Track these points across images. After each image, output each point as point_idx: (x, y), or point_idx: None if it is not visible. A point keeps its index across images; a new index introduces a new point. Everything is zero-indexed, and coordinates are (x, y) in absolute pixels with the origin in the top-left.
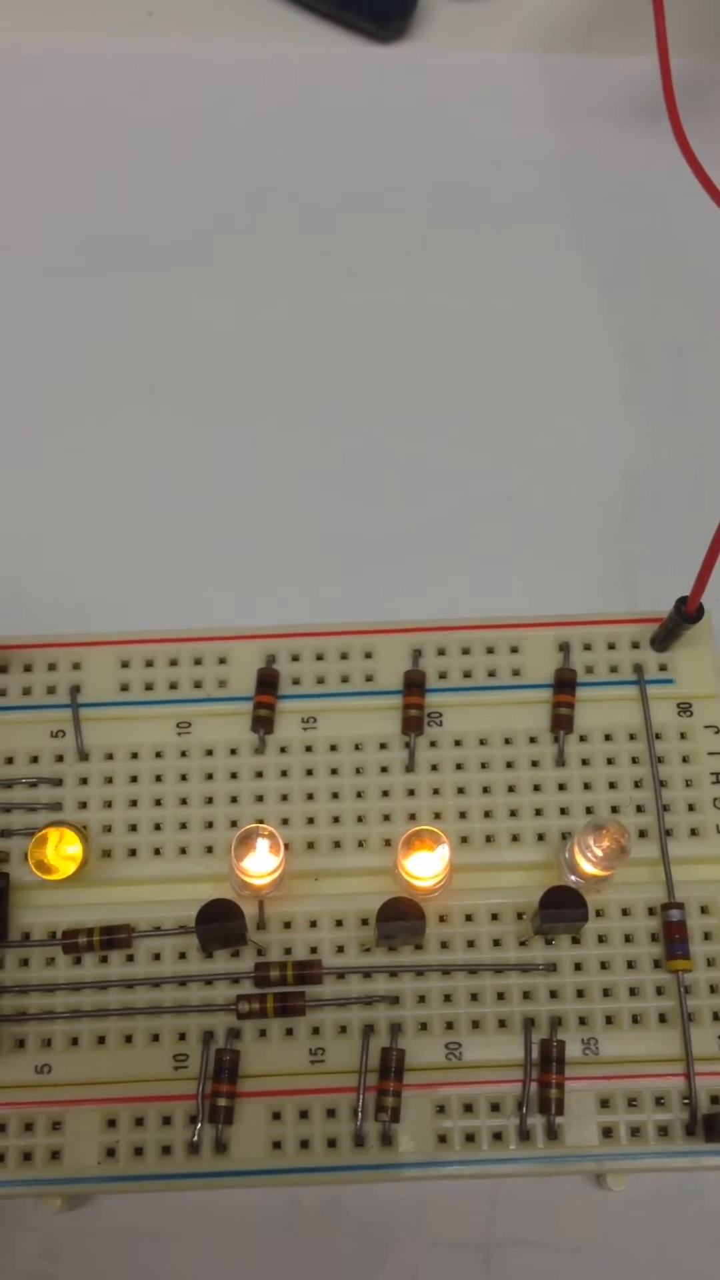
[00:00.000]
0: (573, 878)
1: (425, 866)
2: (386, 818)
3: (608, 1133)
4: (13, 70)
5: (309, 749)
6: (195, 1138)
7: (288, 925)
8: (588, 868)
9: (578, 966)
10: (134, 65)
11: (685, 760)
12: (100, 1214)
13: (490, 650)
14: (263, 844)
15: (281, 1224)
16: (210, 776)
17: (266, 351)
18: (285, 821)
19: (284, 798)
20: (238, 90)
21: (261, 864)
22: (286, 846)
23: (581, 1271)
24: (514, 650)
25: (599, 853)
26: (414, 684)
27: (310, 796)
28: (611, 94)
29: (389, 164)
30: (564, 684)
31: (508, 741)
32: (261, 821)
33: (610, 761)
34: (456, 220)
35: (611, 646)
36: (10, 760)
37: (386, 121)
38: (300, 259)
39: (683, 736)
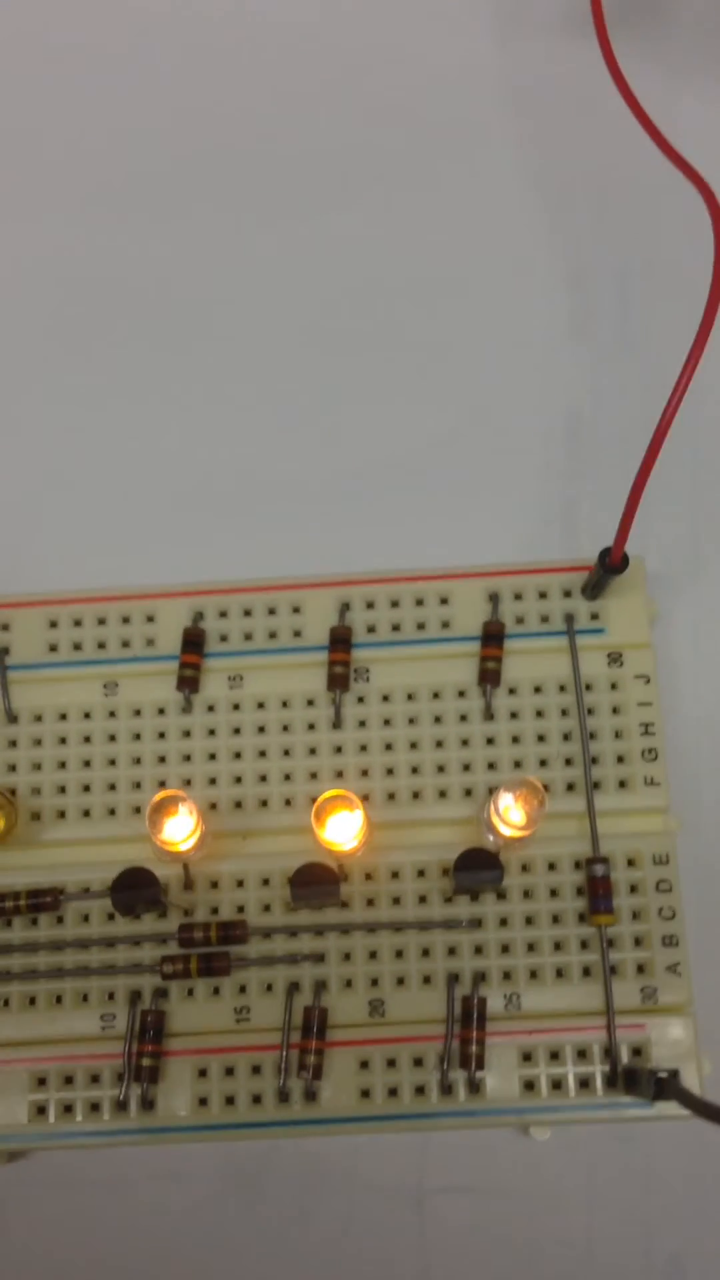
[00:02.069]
0: (491, 837)
1: (342, 831)
2: (314, 775)
3: (530, 1086)
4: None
5: (236, 707)
6: (123, 1095)
7: (215, 885)
8: (504, 829)
9: (503, 922)
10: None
11: (615, 711)
12: (39, 1167)
13: (420, 602)
14: (183, 809)
15: (217, 1173)
16: (138, 737)
17: (195, 292)
18: (212, 781)
19: (211, 757)
20: (175, 18)
21: (177, 830)
22: (213, 806)
23: (513, 1215)
24: (444, 602)
25: (514, 816)
26: (340, 640)
27: (237, 755)
28: (552, 5)
29: (323, 88)
30: (491, 637)
31: (436, 696)
32: (188, 783)
33: (539, 714)
34: (392, 146)
35: (543, 596)
36: None
37: (320, 42)
38: (233, 190)
39: (613, 687)
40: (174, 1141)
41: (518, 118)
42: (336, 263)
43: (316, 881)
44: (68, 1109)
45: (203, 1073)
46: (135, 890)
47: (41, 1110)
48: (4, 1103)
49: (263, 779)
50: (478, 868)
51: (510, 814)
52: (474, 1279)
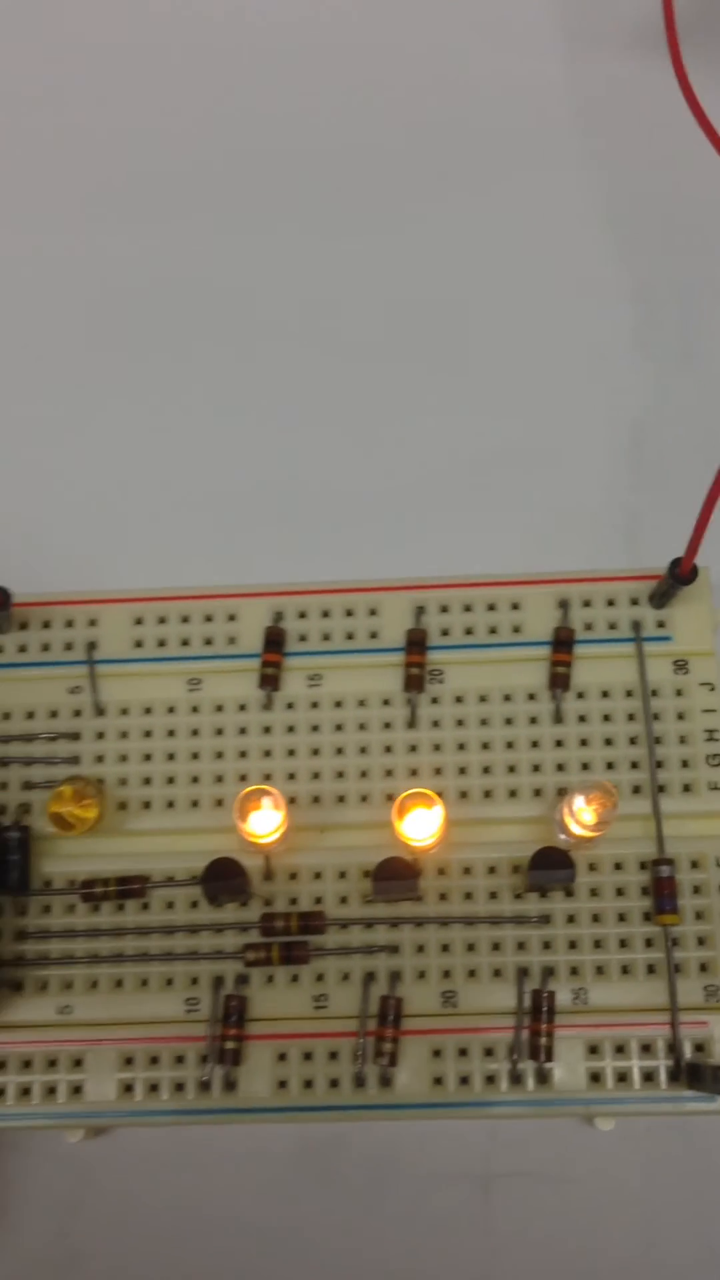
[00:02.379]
0: (563, 836)
1: (420, 827)
2: (389, 773)
3: (595, 1078)
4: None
5: (314, 705)
6: (206, 1076)
7: (293, 877)
8: (576, 829)
9: (570, 919)
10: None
11: (680, 717)
12: (123, 1143)
13: (491, 607)
14: (266, 803)
15: (291, 1154)
16: (220, 732)
17: (270, 304)
18: (291, 776)
19: (290, 753)
20: (237, 25)
21: (264, 824)
22: (292, 801)
23: (575, 1201)
24: (515, 607)
25: (586, 816)
26: (416, 642)
27: (315, 752)
28: (620, 25)
29: (391, 101)
30: (562, 643)
31: (507, 698)
32: (268, 778)
33: (607, 718)
34: (458, 160)
35: (611, 603)
36: (30, 715)
37: (389, 57)
38: (299, 203)
39: (679, 693)
40: (255, 1122)
41: (584, 131)
42: (413, 276)
43: (398, 876)
44: (153, 1088)
45: (282, 1057)
46: (224, 880)
47: (128, 1088)
48: (93, 1080)
49: (340, 775)
50: (552, 866)
51: (583, 815)
52: (538, 1263)
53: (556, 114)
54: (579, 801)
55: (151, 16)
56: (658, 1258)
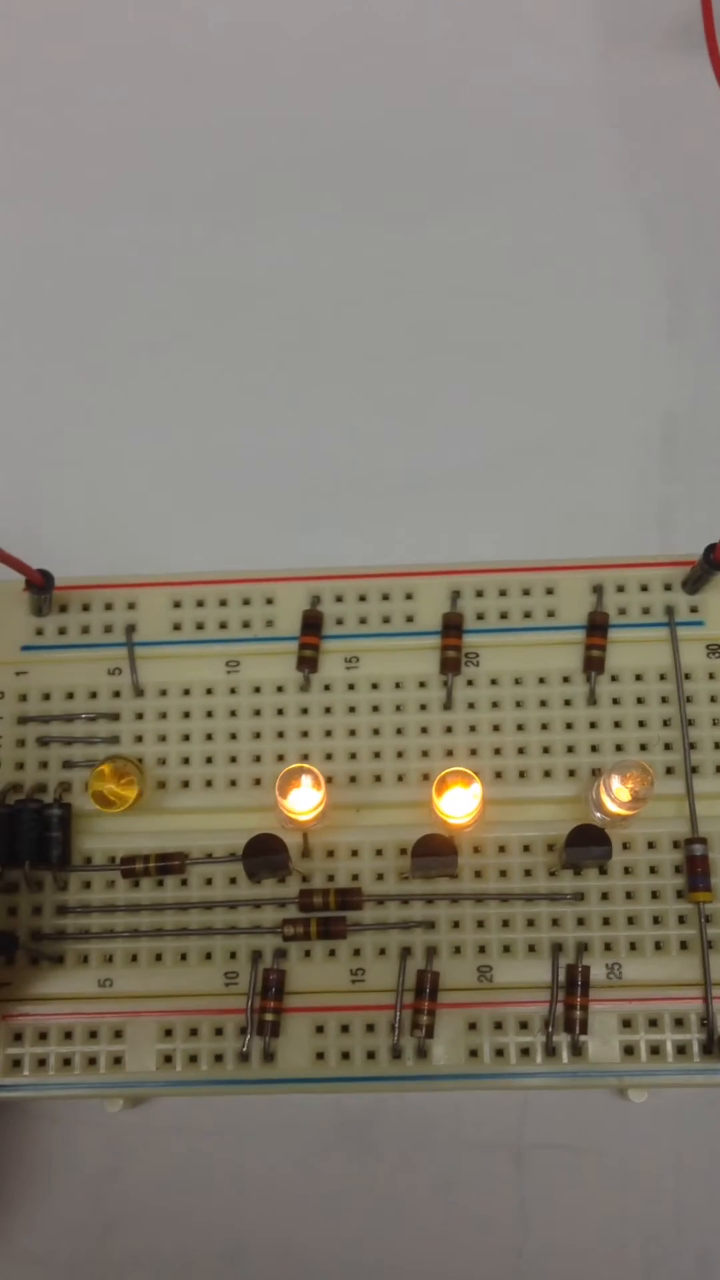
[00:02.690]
0: (599, 815)
1: (458, 805)
2: (425, 754)
3: (629, 1051)
4: (49, 12)
5: (351, 687)
6: (245, 1048)
7: (331, 854)
8: (612, 807)
9: (604, 896)
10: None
11: (713, 700)
12: (160, 1113)
13: (526, 592)
14: (306, 781)
15: (328, 1125)
16: (258, 713)
17: (309, 294)
18: (329, 757)
19: (328, 734)
20: (276, 26)
21: (304, 801)
22: (329, 780)
23: (605, 1172)
24: (549, 592)
25: (623, 795)
26: (452, 626)
27: (352, 733)
28: (656, 21)
29: (428, 96)
30: (596, 626)
31: (542, 681)
32: (306, 758)
33: (640, 701)
34: (495, 155)
35: (644, 589)
36: (70, 696)
37: (426, 54)
38: (334, 198)
39: (711, 677)
40: (292, 1092)
41: (621, 127)
42: (445, 268)
43: (436, 852)
44: (193, 1059)
45: (320, 1029)
46: (265, 856)
47: (168, 1059)
48: (134, 1051)
49: (376, 756)
50: (589, 843)
51: (620, 793)
52: (568, 1232)
53: (592, 111)
54: (616, 780)
55: (166, 9)
56: (687, 1229)
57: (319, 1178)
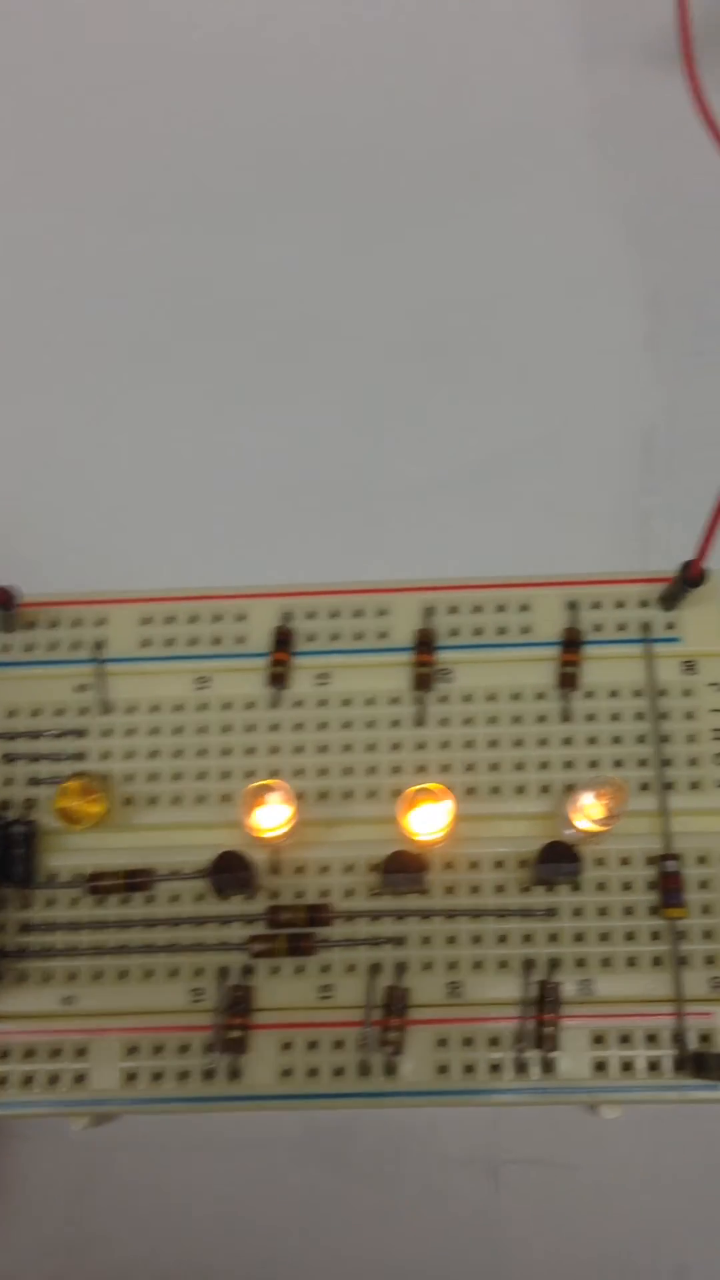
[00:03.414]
0: (570, 831)
1: (426, 822)
2: (396, 770)
3: (600, 1067)
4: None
5: (323, 703)
6: (210, 1065)
7: (300, 870)
8: (584, 824)
9: (577, 912)
10: (159, 8)
11: (688, 716)
12: (132, 1130)
13: (501, 608)
14: (274, 797)
15: (300, 1141)
16: (228, 729)
17: (280, 306)
18: (299, 773)
19: (298, 750)
20: (262, 33)
21: (270, 818)
22: (300, 796)
23: (581, 1186)
24: (524, 609)
25: (596, 812)
26: (425, 642)
27: (323, 749)
28: (637, 31)
29: (411, 107)
30: (571, 643)
31: (515, 697)
32: (276, 774)
33: (615, 717)
34: (476, 163)
35: (620, 605)
36: (36, 713)
37: (410, 63)
38: (319, 207)
39: (686, 694)
40: (258, 1109)
41: (601, 139)
42: (422, 279)
43: (405, 869)
44: (157, 1076)
45: (287, 1046)
46: (231, 872)
47: (132, 1077)
48: (97, 1069)
49: (347, 772)
50: (559, 860)
51: (592, 810)
52: (544, 1244)
53: (572, 122)
54: (588, 797)
55: (155, 19)
56: (663, 1243)
57: (293, 1193)
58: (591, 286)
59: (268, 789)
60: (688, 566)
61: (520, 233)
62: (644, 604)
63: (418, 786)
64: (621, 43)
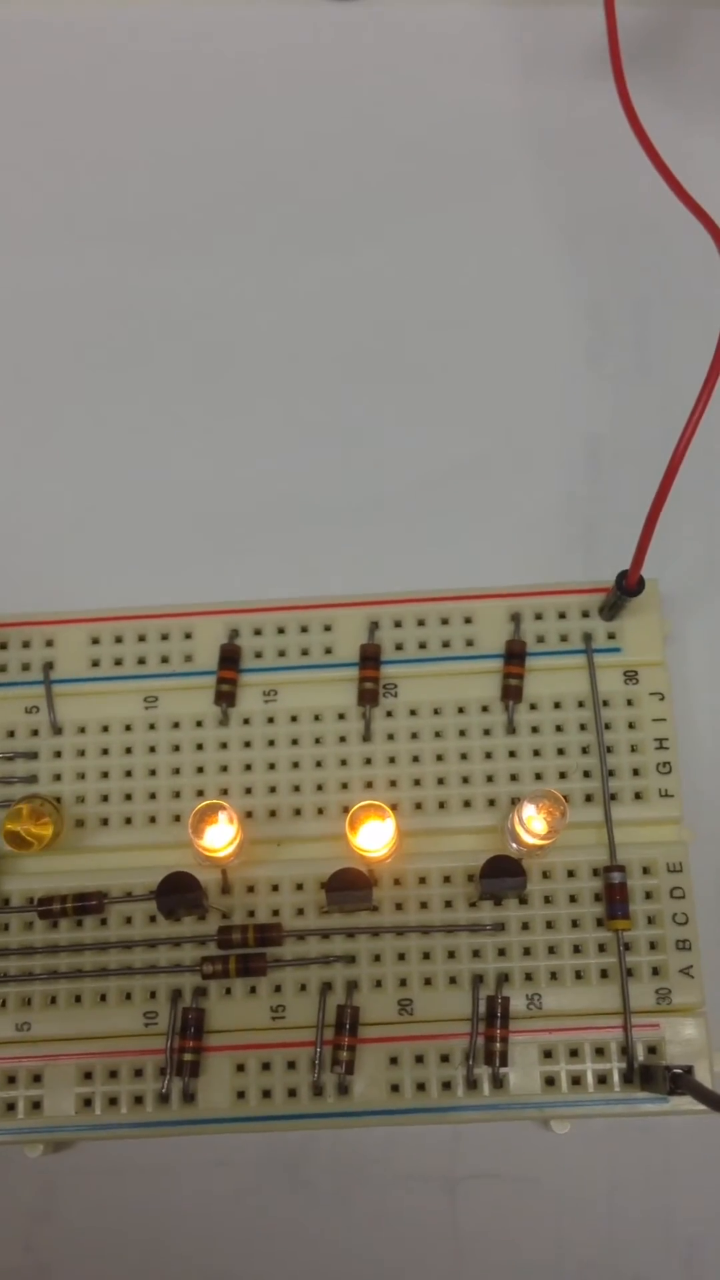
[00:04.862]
0: (515, 845)
1: (373, 839)
2: (344, 786)
3: (550, 1081)
4: None
5: (270, 720)
6: (165, 1089)
7: (251, 889)
8: (527, 838)
9: (525, 926)
10: (92, 30)
11: (631, 726)
12: (90, 1154)
13: (445, 621)
14: (222, 817)
15: (260, 1161)
16: (177, 748)
17: (220, 322)
18: (248, 791)
19: (247, 768)
20: (193, 51)
21: (217, 838)
22: (249, 815)
23: (540, 1199)
24: (468, 621)
25: (537, 825)
26: (369, 657)
27: (272, 766)
28: (574, 47)
29: (349, 125)
30: (514, 655)
31: (461, 711)
32: (225, 793)
33: (559, 729)
34: (415, 181)
35: (562, 616)
36: None
37: (346, 82)
38: (257, 224)
39: (629, 703)
40: (213, 1132)
41: (539, 155)
42: (365, 295)
43: (350, 886)
44: (113, 1101)
45: (240, 1068)
46: (178, 894)
47: (88, 1102)
48: (52, 1096)
49: (296, 789)
50: (503, 874)
51: (533, 823)
52: (504, 1262)
53: (511, 140)
54: (529, 810)
55: (111, 43)
56: (622, 1253)
57: (253, 1214)
58: (533, 302)
59: (213, 809)
60: (623, 577)
61: (460, 250)
62: (585, 614)
63: (361, 804)
64: (555, 62)
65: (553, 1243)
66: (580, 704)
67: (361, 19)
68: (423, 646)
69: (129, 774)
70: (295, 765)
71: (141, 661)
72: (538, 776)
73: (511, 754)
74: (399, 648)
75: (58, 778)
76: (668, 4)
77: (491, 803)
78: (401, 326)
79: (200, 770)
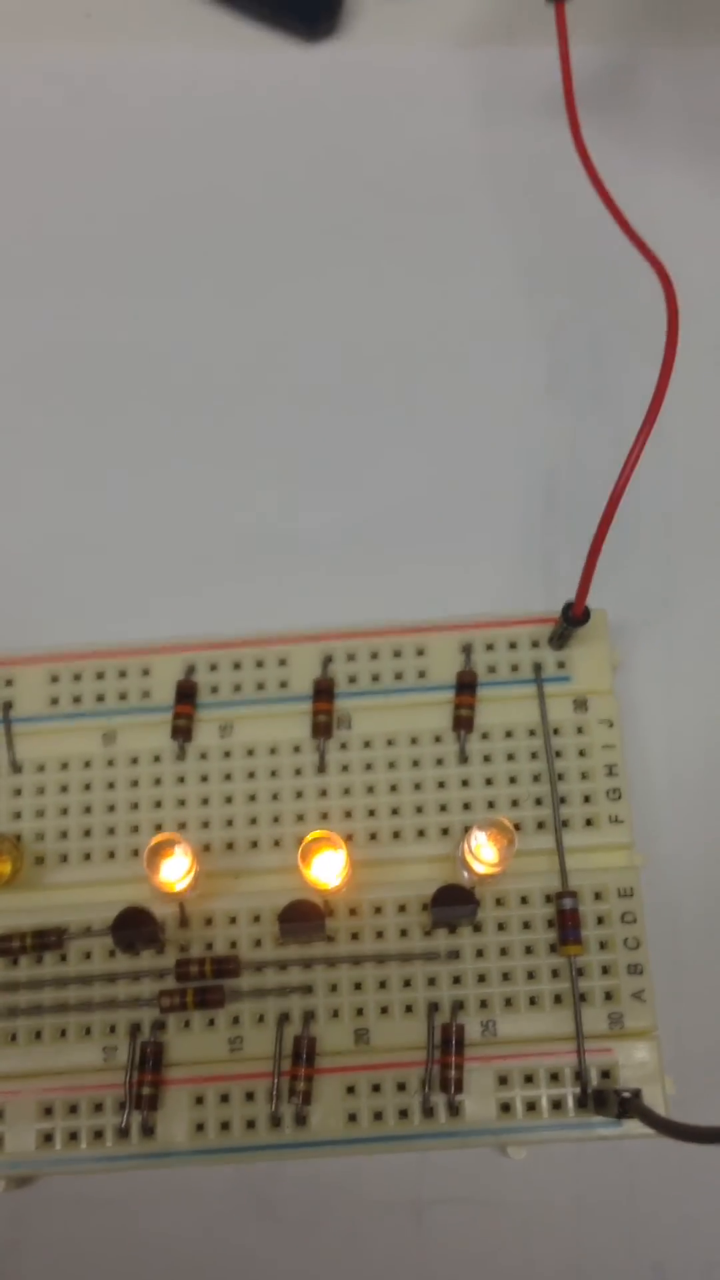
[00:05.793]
0: (466, 874)
1: (326, 870)
2: (300, 818)
3: (505, 1108)
4: None
5: (227, 755)
6: (124, 1123)
7: (209, 922)
8: (477, 866)
9: (479, 953)
10: (65, 71)
11: (581, 754)
12: (59, 1186)
13: (397, 654)
14: (177, 851)
15: (226, 1190)
16: (135, 784)
17: (176, 363)
18: (205, 824)
19: (204, 802)
20: (164, 94)
21: (173, 872)
22: (206, 848)
23: (507, 1222)
24: (420, 653)
25: (487, 854)
26: (323, 690)
27: (229, 800)
28: (534, 88)
29: (313, 165)
30: (465, 686)
31: (413, 741)
32: (183, 827)
33: (510, 758)
34: (377, 219)
35: (513, 646)
36: None
37: (312, 122)
38: (230, 265)
39: (579, 731)
40: (173, 1165)
41: (499, 194)
42: (323, 332)
43: (302, 918)
44: (73, 1136)
45: (199, 1100)
46: (134, 928)
47: (48, 1138)
48: (12, 1132)
49: (253, 821)
50: (453, 902)
51: (483, 852)
52: None
53: (469, 179)
54: (478, 838)
55: (78, 88)
56: (591, 1274)
57: (220, 1244)
58: (490, 336)
59: (168, 843)
60: (569, 607)
61: (419, 286)
62: (535, 644)
63: (313, 835)
64: (516, 102)
65: (521, 1265)
66: (531, 732)
67: (326, 62)
68: (376, 679)
69: (88, 810)
70: (251, 798)
71: (100, 699)
72: (490, 805)
73: (464, 783)
74: (352, 680)
75: (17, 815)
76: (623, 44)
77: (445, 832)
78: (359, 362)
79: (158, 805)
